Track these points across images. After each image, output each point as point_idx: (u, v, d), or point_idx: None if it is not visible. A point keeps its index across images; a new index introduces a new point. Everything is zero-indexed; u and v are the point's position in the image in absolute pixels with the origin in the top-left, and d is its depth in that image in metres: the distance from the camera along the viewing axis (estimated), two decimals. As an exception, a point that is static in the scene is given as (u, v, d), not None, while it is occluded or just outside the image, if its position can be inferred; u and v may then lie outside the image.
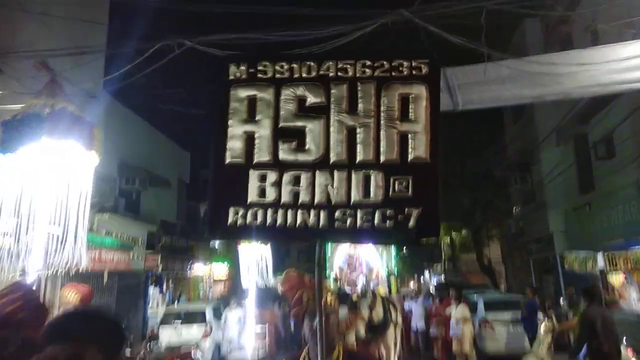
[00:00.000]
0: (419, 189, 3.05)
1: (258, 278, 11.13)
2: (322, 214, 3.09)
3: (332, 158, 3.18)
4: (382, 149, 3.14)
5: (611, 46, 6.18)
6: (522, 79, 6.11)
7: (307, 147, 3.21)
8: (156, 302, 16.93)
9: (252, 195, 3.18)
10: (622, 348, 9.10)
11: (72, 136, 4.47)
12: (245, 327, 11.63)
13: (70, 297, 5.23)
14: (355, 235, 3.19)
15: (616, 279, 12.98)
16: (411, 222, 3.00)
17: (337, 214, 3.07)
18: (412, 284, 35.69)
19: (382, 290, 11.22)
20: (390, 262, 12.94)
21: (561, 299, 11.51)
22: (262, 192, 3.17)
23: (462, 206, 23.23)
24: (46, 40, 8.84)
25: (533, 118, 17.54)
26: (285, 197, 3.15)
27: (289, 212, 3.12)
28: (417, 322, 12.17)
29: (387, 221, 3.02)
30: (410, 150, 3.11)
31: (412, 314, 12.42)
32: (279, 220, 3.11)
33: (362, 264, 12.82)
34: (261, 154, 3.24)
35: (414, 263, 34.34)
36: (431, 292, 13.92)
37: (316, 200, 3.12)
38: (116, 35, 12.18)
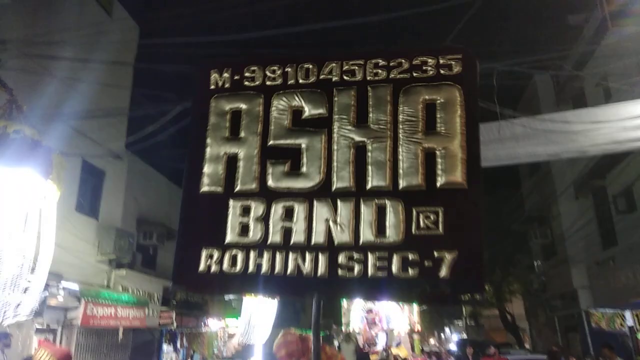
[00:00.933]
0: (454, 225, 2.33)
1: (262, 334, 10.66)
2: (322, 259, 2.42)
3: (336, 184, 2.52)
4: (401, 172, 2.46)
5: (624, 104, 6.26)
6: (536, 137, 6.18)
7: (303, 170, 2.57)
8: (170, 360, 16.62)
9: (232, 234, 2.54)
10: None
11: (28, 163, 3.70)
12: None
13: (45, 358, 4.97)
14: (365, 288, 2.40)
15: (647, 338, 12.41)
16: (443, 271, 2.27)
17: (341, 258, 2.40)
18: (432, 341, 34.52)
19: (404, 350, 10.66)
20: (413, 317, 12.02)
21: (587, 359, 11.02)
22: (245, 230, 2.54)
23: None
24: (73, 103, 9.26)
25: (550, 172, 17.46)
26: (273, 236, 2.50)
27: (278, 256, 2.47)
28: None
29: (410, 269, 2.31)
30: (439, 172, 2.41)
31: None
32: (265, 267, 2.46)
33: (382, 319, 11.38)
34: (245, 180, 2.60)
35: (434, 319, 33.36)
36: (467, 353, 12.19)
37: (314, 240, 2.46)
38: (139, 99, 12.71)
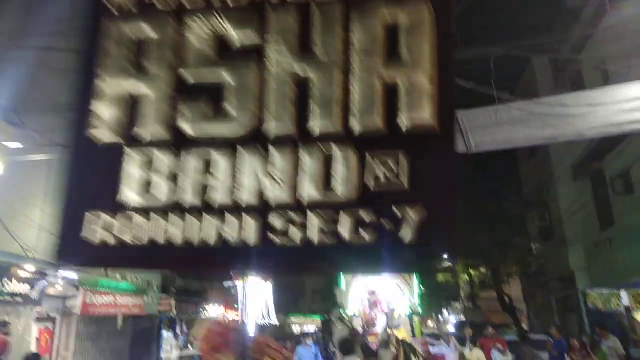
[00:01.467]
0: (421, 178, 1.82)
1: (260, 319, 10.35)
2: (252, 223, 1.86)
3: (271, 129, 1.91)
4: (355, 111, 1.89)
5: (622, 86, 6.20)
6: (534, 120, 6.13)
7: (229, 112, 1.94)
8: (170, 346, 16.72)
9: (131, 194, 1.94)
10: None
11: None
12: None
13: None
14: (308, 258, 1.84)
15: (643, 317, 12.54)
16: (407, 235, 1.81)
17: (277, 222, 1.86)
18: (430, 324, 34.85)
19: (404, 332, 10.29)
20: (414, 299, 11.62)
21: (584, 338, 11.12)
22: (148, 188, 1.94)
23: (480, 244, 22.88)
24: (68, 94, 9.15)
25: (548, 155, 17.45)
26: (187, 196, 1.91)
27: (193, 221, 1.86)
28: None
29: (365, 233, 1.82)
30: (403, 112, 1.87)
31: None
32: (175, 236, 1.88)
33: (382, 301, 11.17)
34: (148, 124, 1.96)
35: (432, 301, 33.65)
36: (466, 334, 12.02)
37: (241, 200, 1.89)
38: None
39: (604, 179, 14.51)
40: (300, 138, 1.92)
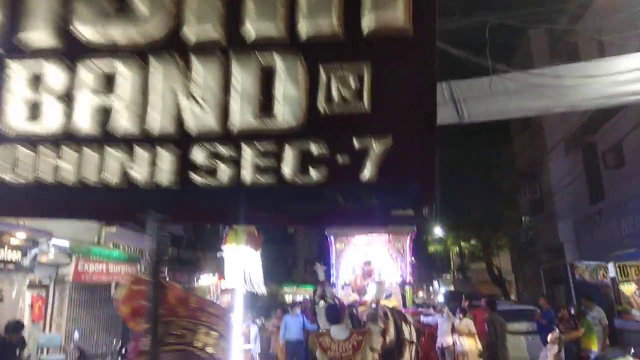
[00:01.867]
0: (388, 97, 1.40)
1: (246, 288, 10.15)
2: (166, 158, 1.48)
3: (192, 32, 1.47)
4: (302, 9, 1.43)
5: (616, 58, 6.17)
6: (528, 91, 6.10)
7: (135, 8, 1.50)
8: (164, 314, 16.99)
9: (12, 119, 1.54)
10: (630, 357, 8.98)
11: None
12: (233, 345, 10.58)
13: None
14: (239, 201, 1.45)
15: (628, 288, 12.80)
16: (367, 171, 1.37)
17: (198, 156, 1.46)
18: (420, 294, 35.46)
19: (395, 302, 10.10)
20: (406, 268, 11.14)
21: (571, 308, 11.34)
22: (34, 112, 1.52)
23: (471, 217, 23.10)
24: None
25: (541, 128, 17.46)
26: (81, 122, 1.50)
27: (90, 155, 1.49)
28: (443, 339, 10.52)
29: (314, 169, 1.40)
30: (366, 10, 1.41)
31: (436, 328, 10.83)
32: (67, 174, 1.49)
33: (375, 270, 10.91)
34: (33, 26, 1.52)
35: (423, 273, 34.17)
36: (463, 305, 12.14)
37: (152, 127, 1.47)
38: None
39: (596, 153, 14.59)
40: (230, 45, 1.45)
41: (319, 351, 5.15)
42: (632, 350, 9.45)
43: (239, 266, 9.18)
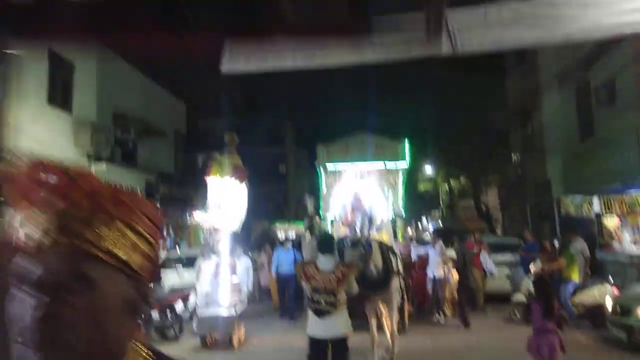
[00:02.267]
0: None
1: (232, 221, 9.05)
2: None
3: None
4: None
5: (616, -14, 5.96)
6: (524, 21, 5.93)
7: None
8: (158, 250, 17.24)
9: None
10: (608, 286, 9.40)
11: None
12: (221, 279, 9.01)
13: None
14: None
15: (611, 222, 13.15)
16: None
17: None
18: (409, 231, 36.21)
19: (386, 235, 10.01)
20: (397, 202, 11.11)
21: (555, 241, 11.71)
22: None
23: (462, 154, 23.23)
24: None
25: (535, 64, 17.21)
26: None
27: None
28: (436, 270, 10.55)
29: None
30: None
31: (428, 261, 10.81)
32: None
33: (366, 205, 10.91)
34: None
35: (411, 210, 34.77)
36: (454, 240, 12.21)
37: None
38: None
39: (589, 89, 14.49)
40: None
41: (303, 280, 5.14)
42: (612, 280, 9.89)
43: (224, 198, 8.59)
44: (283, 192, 32.52)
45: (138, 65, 16.30)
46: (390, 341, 7.09)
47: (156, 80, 17.95)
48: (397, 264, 7.07)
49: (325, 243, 5.40)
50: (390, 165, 11.09)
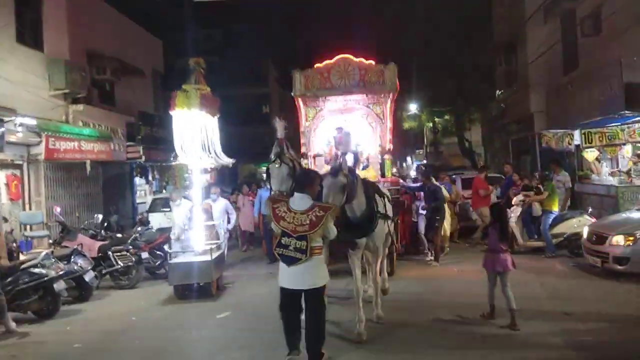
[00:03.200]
0: None
1: (206, 160, 7.90)
2: None
3: None
4: None
5: None
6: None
7: None
8: (144, 192, 17.21)
9: None
10: (587, 217, 9.71)
11: None
12: (195, 224, 8.14)
13: None
14: None
15: (590, 155, 13.38)
16: None
17: None
18: (394, 169, 36.54)
19: (373, 172, 9.33)
20: (386, 136, 9.54)
21: (536, 174, 11.92)
22: None
23: (447, 91, 23.08)
24: None
25: (521, -6, 16.78)
26: None
27: None
28: (425, 209, 10.00)
29: None
30: None
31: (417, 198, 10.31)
32: None
33: (351, 140, 8.80)
34: None
35: (396, 149, 34.91)
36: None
37: None
38: None
39: (574, 20, 14.25)
40: None
41: (273, 221, 4.43)
42: (590, 210, 10.19)
43: (194, 134, 7.19)
44: (270, 134, 32.22)
45: (111, 1, 15.57)
46: (374, 291, 6.09)
47: (131, 17, 17.20)
48: (385, 206, 6.09)
49: (302, 179, 4.82)
50: (377, 94, 9.48)
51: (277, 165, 5.61)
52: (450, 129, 29.11)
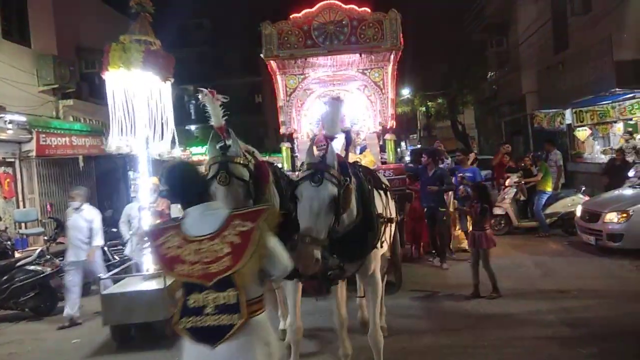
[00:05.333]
0: None
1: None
2: None
3: None
4: None
5: None
6: None
7: None
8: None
9: None
10: (580, 195, 9.77)
11: None
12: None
13: None
14: None
15: (582, 133, 13.44)
16: None
17: None
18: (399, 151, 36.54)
19: (371, 157, 7.21)
20: (387, 109, 7.35)
21: (529, 156, 11.96)
22: None
23: (440, 75, 23.04)
24: None
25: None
26: None
27: None
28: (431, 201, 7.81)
29: None
30: None
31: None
32: None
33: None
34: None
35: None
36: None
37: None
38: None
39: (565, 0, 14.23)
40: None
41: (162, 270, 3.14)
42: (583, 188, 10.26)
43: (137, 106, 5.06)
44: (262, 124, 32.09)
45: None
46: (371, 323, 3.80)
47: (118, 9, 16.99)
48: (388, 207, 4.13)
49: (188, 176, 2.41)
50: (375, 55, 7.14)
51: (223, 183, 2.85)
52: (443, 113, 29.05)
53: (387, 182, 4.73)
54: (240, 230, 2.21)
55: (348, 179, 3.15)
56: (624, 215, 7.57)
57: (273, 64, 7.32)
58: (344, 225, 3.24)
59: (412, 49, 23.34)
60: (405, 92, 29.31)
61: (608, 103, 12.02)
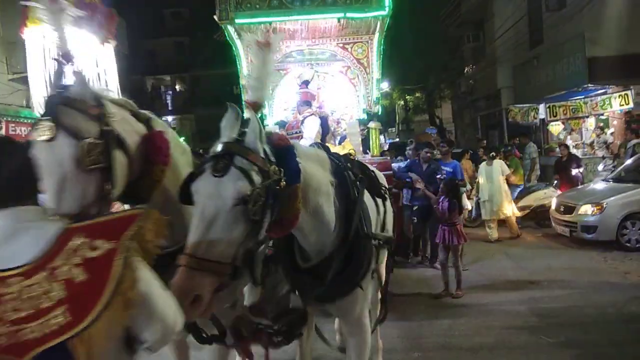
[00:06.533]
0: None
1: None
2: None
3: None
4: None
5: None
6: None
7: None
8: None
9: None
10: (552, 189, 9.95)
11: None
12: None
13: None
14: None
15: (555, 128, 13.69)
16: None
17: None
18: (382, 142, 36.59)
19: (351, 147, 6.08)
20: (372, 91, 6.40)
21: (502, 149, 12.12)
22: None
23: (417, 70, 23.12)
24: None
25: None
26: None
27: None
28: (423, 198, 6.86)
29: None
30: None
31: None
32: None
33: (324, 103, 6.86)
34: None
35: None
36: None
37: None
38: None
39: (540, -4, 14.42)
40: None
41: None
42: (555, 182, 10.45)
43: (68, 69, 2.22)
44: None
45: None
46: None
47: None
48: (387, 220, 2.99)
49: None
50: (357, 24, 5.98)
51: (45, 135, 1.65)
52: (421, 107, 29.27)
53: (386, 184, 3.39)
54: (85, 256, 1.18)
55: (290, 172, 1.91)
56: (598, 207, 7.76)
57: (231, 29, 5.93)
58: (313, 248, 2.24)
59: (390, 41, 23.50)
60: (385, 86, 29.39)
61: (580, 98, 12.27)
